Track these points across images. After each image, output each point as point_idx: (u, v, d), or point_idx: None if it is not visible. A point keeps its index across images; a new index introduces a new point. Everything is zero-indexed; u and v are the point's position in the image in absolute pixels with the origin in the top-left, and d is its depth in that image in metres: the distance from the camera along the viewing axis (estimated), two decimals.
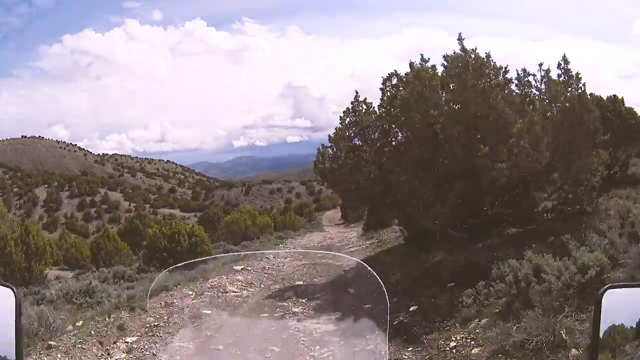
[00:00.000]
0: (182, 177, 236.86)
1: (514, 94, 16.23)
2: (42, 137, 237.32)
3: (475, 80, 15.21)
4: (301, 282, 19.57)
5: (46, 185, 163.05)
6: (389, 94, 18.44)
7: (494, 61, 15.95)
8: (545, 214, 18.11)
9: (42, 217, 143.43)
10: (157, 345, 12.42)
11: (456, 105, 15.77)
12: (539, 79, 16.70)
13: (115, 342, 12.60)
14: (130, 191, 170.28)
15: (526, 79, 16.85)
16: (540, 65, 16.41)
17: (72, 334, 12.49)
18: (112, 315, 14.02)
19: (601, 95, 22.66)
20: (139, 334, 13.30)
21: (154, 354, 11.96)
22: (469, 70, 15.32)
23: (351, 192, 19.51)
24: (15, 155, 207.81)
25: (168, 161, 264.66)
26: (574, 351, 8.10)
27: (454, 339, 10.30)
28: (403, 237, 22.78)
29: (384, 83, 18.67)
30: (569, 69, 16.16)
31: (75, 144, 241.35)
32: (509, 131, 14.93)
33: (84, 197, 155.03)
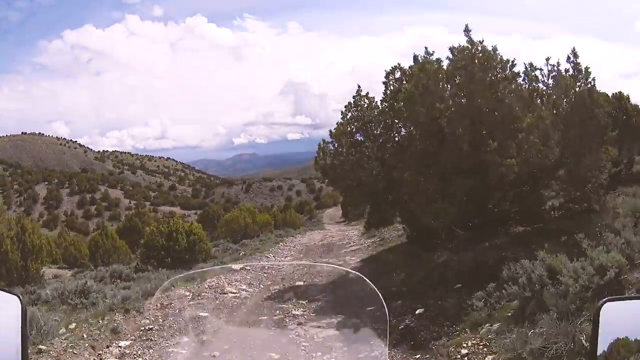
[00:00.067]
0: (183, 174, 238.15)
1: (522, 88, 15.61)
2: (42, 134, 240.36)
3: (482, 73, 14.66)
4: (301, 283, 19.02)
5: (46, 183, 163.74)
6: (392, 87, 17.93)
7: (500, 55, 15.40)
8: (552, 212, 17.55)
9: (42, 215, 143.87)
10: (150, 350, 11.91)
11: (462, 99, 15.16)
12: (545, 73, 16.13)
13: (108, 347, 12.13)
14: (131, 188, 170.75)
15: (533, 73, 16.24)
16: (547, 59, 15.86)
17: (63, 338, 12.01)
18: (106, 318, 13.55)
19: (606, 92, 22.16)
20: (132, 337, 12.82)
21: None
22: (476, 62, 14.75)
23: (353, 189, 19.02)
24: (16, 152, 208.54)
25: (168, 158, 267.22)
26: None
27: (465, 345, 9.66)
28: (406, 235, 22.24)
29: (387, 77, 18.18)
30: (579, 63, 15.59)
31: (76, 141, 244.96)
32: (517, 126, 14.37)
33: (84, 195, 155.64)
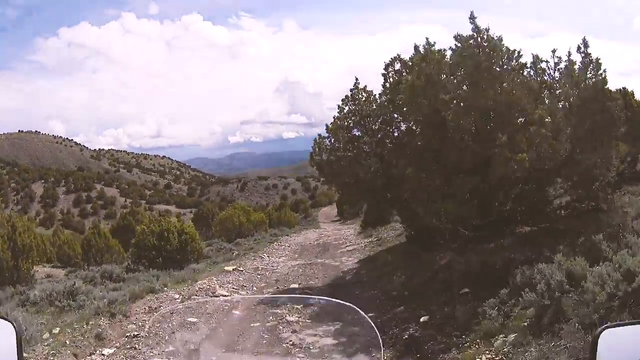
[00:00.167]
0: (178, 172, 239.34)
1: (531, 79, 14.75)
2: (39, 132, 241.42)
3: (489, 63, 13.79)
4: (296, 285, 18.13)
5: (43, 181, 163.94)
6: (391, 80, 17.05)
7: (505, 45, 14.53)
8: (558, 211, 16.72)
9: (39, 213, 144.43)
10: None
11: (468, 90, 14.26)
12: (552, 65, 15.26)
13: (90, 355, 11.50)
14: (126, 187, 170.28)
15: (539, 65, 15.37)
16: (554, 51, 14.99)
17: (46, 344, 11.50)
18: (90, 322, 12.93)
19: (609, 88, 21.40)
20: (117, 344, 12.15)
21: None
22: (483, 51, 13.88)
23: (350, 186, 18.23)
24: (13, 150, 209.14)
25: (164, 157, 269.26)
26: None
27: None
28: (405, 235, 21.36)
29: (385, 68, 17.31)
30: (589, 53, 14.72)
31: (72, 139, 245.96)
32: (528, 118, 13.50)
33: (80, 193, 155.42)
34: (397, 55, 17.33)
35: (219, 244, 34.47)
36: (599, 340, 2.61)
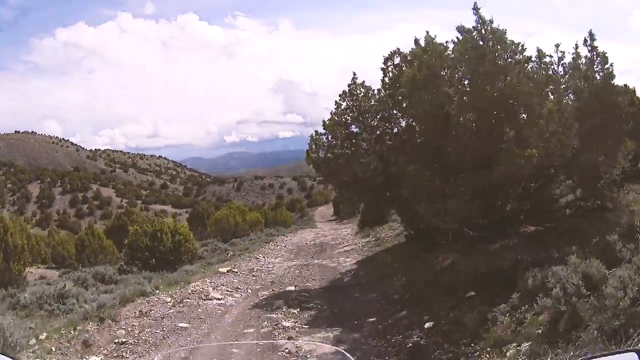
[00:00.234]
0: (174, 172, 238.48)
1: (538, 72, 14.11)
2: (35, 133, 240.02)
3: (494, 55, 13.16)
4: (292, 288, 17.45)
5: (39, 181, 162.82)
6: (391, 74, 16.44)
7: (510, 38, 13.91)
8: (562, 210, 16.12)
9: (35, 214, 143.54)
10: None
11: (473, 83, 13.63)
12: (555, 60, 14.63)
13: None
14: (122, 187, 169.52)
15: (544, 59, 14.74)
16: (557, 46, 14.38)
17: (32, 350, 10.97)
18: (78, 327, 12.29)
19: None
20: (105, 352, 11.54)
21: None
22: (487, 43, 13.25)
23: (348, 184, 17.59)
24: (9, 151, 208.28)
25: (160, 157, 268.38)
26: None
27: None
28: (405, 235, 20.73)
29: (385, 62, 16.71)
30: (596, 47, 14.12)
31: (68, 139, 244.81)
32: (535, 112, 12.87)
33: (76, 193, 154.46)
34: (397, 49, 16.77)
35: (214, 244, 34.07)
36: None
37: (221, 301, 15.62)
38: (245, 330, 12.31)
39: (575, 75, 14.14)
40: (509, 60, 13.59)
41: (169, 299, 15.54)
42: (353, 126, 17.52)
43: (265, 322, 12.86)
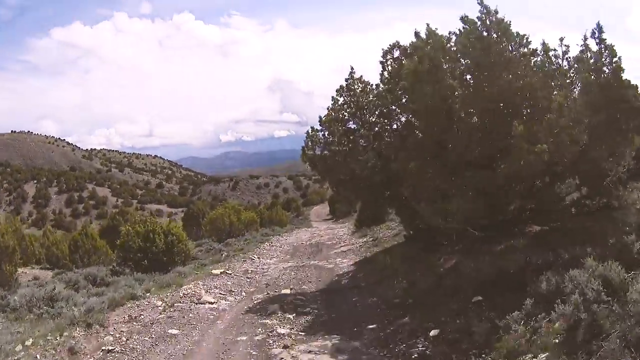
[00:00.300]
0: (170, 172, 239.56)
1: (546, 64, 13.48)
2: (31, 132, 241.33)
3: (500, 46, 12.53)
4: (288, 291, 16.81)
5: (35, 181, 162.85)
6: (390, 68, 15.81)
7: (515, 30, 13.29)
8: (569, 209, 15.50)
9: (31, 214, 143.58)
10: None
11: (478, 76, 12.98)
12: (559, 54, 14.02)
13: None
14: (118, 187, 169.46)
15: (549, 52, 14.12)
16: (561, 39, 13.74)
17: (16, 357, 10.62)
18: (65, 333, 11.81)
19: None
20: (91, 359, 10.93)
21: None
22: (491, 34, 12.62)
23: (345, 183, 16.96)
24: (5, 151, 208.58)
25: (156, 156, 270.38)
26: None
27: None
28: (404, 235, 20.09)
29: (384, 56, 16.07)
30: (604, 39, 13.49)
31: (64, 139, 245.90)
32: (543, 106, 12.22)
33: (72, 193, 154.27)
34: (396, 42, 16.12)
35: (209, 244, 33.99)
36: None
37: (214, 305, 14.97)
38: (238, 338, 11.61)
39: (582, 68, 13.52)
40: (515, 52, 12.99)
41: (159, 303, 14.90)
42: (351, 122, 16.95)
43: (259, 329, 12.18)
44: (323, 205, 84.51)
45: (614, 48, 13.27)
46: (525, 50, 13.12)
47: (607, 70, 13.12)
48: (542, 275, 9.08)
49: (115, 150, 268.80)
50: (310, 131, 16.91)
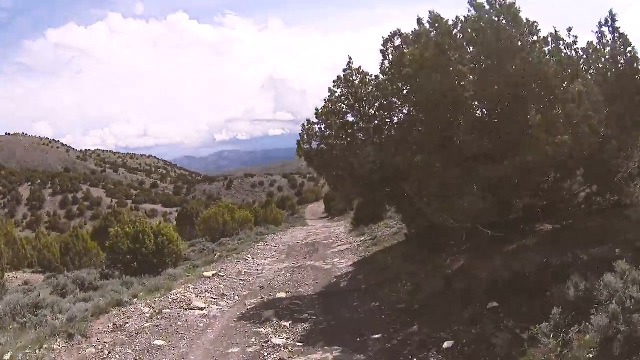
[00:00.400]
0: (164, 172, 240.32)
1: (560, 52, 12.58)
2: (26, 134, 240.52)
3: (511, 33, 11.61)
4: (283, 295, 15.83)
5: (29, 183, 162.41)
6: (391, 57, 14.88)
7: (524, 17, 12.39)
8: (579, 207, 14.59)
9: (25, 216, 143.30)
10: None
11: (489, 62, 12.05)
12: (568, 45, 13.13)
13: None
14: (113, 187, 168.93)
15: (560, 41, 13.25)
16: (569, 29, 12.86)
17: None
18: (45, 345, 10.97)
19: None
20: None
21: None
22: (501, 19, 11.71)
23: (343, 179, 16.00)
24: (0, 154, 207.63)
25: (150, 156, 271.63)
26: None
27: None
28: (405, 234, 19.14)
29: (384, 44, 15.11)
30: (618, 28, 12.62)
31: (58, 141, 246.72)
32: (560, 96, 11.29)
33: (66, 195, 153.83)
34: (397, 30, 15.19)
35: (202, 245, 33.57)
36: None
37: (204, 311, 13.93)
38: (230, 350, 10.56)
39: (596, 57, 12.65)
40: (526, 39, 12.10)
41: (147, 310, 13.88)
42: (349, 115, 16.03)
43: (253, 339, 11.14)
44: (318, 204, 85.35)
45: (628, 37, 12.46)
46: (536, 38, 12.25)
47: (622, 60, 12.27)
48: (568, 280, 8.09)
49: (110, 151, 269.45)
50: (306, 124, 15.99)
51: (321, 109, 15.87)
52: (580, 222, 12.70)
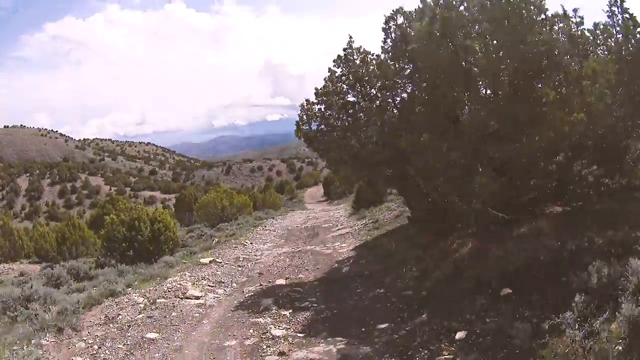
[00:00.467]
0: (163, 158, 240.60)
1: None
2: (24, 126, 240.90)
3: (522, 6, 11.02)
4: (283, 281, 15.30)
5: (28, 174, 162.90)
6: (393, 35, 14.28)
7: None
8: (587, 189, 14.04)
9: (24, 207, 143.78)
10: None
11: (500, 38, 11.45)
12: (577, 23, 12.57)
13: None
14: (111, 175, 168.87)
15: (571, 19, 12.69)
16: (575, 10, 12.29)
17: None
18: (33, 340, 10.40)
19: None
20: None
21: None
22: None
23: (345, 160, 15.38)
24: None
25: (148, 143, 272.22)
26: None
27: None
28: (408, 217, 18.51)
29: (386, 22, 14.49)
30: (627, 8, 12.07)
31: (56, 131, 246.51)
32: (573, 74, 10.71)
33: (65, 184, 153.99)
34: (400, 7, 14.56)
35: (200, 230, 33.39)
36: None
37: (200, 300, 13.36)
38: (226, 343, 9.96)
39: (608, 35, 12.10)
40: (536, 17, 11.53)
41: (140, 300, 13.25)
42: (350, 95, 15.41)
43: (251, 330, 10.56)
44: (317, 187, 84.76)
45: (635, 17, 11.93)
46: (543, 16, 11.68)
47: (633, 41, 11.73)
48: (589, 266, 7.49)
49: (108, 139, 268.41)
50: (305, 104, 15.38)
51: (321, 88, 15.27)
52: (590, 205, 12.18)
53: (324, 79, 15.52)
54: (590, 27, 12.10)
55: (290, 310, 11.76)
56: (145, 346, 10.11)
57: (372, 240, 20.44)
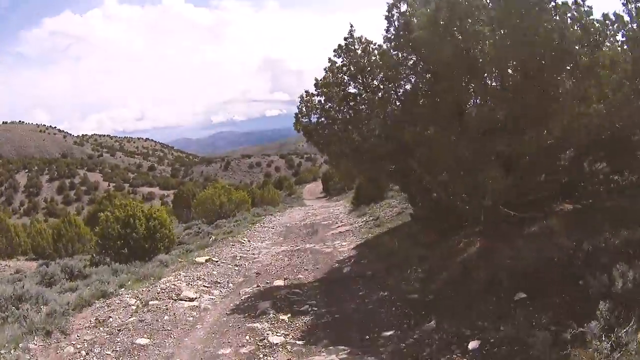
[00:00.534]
0: (162, 154, 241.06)
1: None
2: (23, 122, 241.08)
3: None
4: (281, 282, 14.72)
5: (26, 170, 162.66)
6: (396, 23, 13.71)
7: None
8: (597, 186, 13.49)
9: (23, 203, 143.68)
10: None
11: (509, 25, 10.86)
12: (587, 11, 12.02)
13: None
14: (110, 171, 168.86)
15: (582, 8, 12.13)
16: (584, 1, 11.76)
17: None
18: (21, 344, 9.99)
19: None
20: None
21: None
22: None
23: (346, 155, 14.81)
24: None
25: (147, 139, 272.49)
26: None
27: None
28: (411, 214, 17.93)
29: (389, 10, 13.89)
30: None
31: (55, 127, 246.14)
32: (587, 64, 10.12)
33: (63, 180, 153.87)
34: None
35: (198, 227, 32.78)
36: None
37: (194, 302, 12.74)
38: (220, 351, 9.34)
39: (622, 24, 11.55)
40: (546, 4, 10.95)
41: (133, 301, 12.66)
42: (351, 87, 14.83)
43: (247, 337, 9.93)
44: (316, 183, 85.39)
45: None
46: (554, 3, 11.11)
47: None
48: (614, 269, 6.92)
49: (107, 135, 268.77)
50: (304, 95, 14.78)
51: (321, 79, 14.69)
52: (600, 202, 11.78)
53: (324, 69, 14.94)
54: (599, 17, 11.66)
55: (289, 315, 11.16)
56: (135, 353, 9.55)
57: (374, 239, 19.88)
